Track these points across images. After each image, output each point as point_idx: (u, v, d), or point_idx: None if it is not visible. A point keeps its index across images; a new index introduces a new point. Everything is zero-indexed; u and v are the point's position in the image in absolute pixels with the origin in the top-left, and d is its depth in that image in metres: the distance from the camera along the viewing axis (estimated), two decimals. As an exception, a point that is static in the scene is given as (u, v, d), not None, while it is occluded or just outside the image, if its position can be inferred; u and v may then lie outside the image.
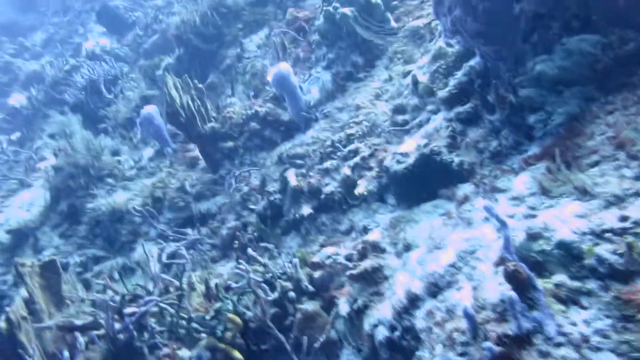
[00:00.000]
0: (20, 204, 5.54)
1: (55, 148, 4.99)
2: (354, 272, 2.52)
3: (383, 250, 2.57)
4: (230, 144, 4.23)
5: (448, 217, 2.31)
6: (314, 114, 3.77)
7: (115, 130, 5.66)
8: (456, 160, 2.46)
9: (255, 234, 3.48)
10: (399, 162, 2.75)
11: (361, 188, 2.93)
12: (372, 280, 2.46)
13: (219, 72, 5.10)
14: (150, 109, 4.76)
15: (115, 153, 5.12)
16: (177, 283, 3.08)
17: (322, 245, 3.03)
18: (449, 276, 1.98)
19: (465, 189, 2.35)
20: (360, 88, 3.66)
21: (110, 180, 4.74)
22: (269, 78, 3.69)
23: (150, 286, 3.10)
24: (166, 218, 4.29)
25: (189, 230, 3.97)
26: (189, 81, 4.40)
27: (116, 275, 4.06)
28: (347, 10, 3.60)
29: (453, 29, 2.43)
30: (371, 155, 3.05)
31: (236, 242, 3.35)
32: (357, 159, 3.09)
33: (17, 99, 8.13)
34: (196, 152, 4.66)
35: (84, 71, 7.47)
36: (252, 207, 3.73)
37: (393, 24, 3.65)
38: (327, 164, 3.28)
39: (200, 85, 4.39)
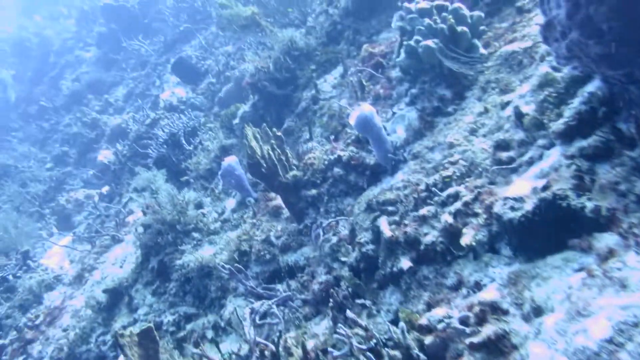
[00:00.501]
0: (113, 260, 5.83)
1: (143, 205, 5.20)
2: (474, 340, 2.25)
3: (505, 312, 2.29)
4: (313, 191, 4.14)
5: (589, 275, 1.99)
6: (402, 155, 3.59)
7: (197, 181, 5.83)
8: (589, 205, 2.14)
9: (349, 289, 3.30)
10: (513, 208, 2.47)
11: (467, 238, 2.67)
12: (498, 350, 2.18)
13: (295, 115, 5.10)
14: (231, 160, 4.83)
15: (199, 205, 5.24)
16: (273, 348, 2.99)
17: (428, 304, 2.78)
18: (606, 354, 1.67)
19: (607, 240, 2.03)
20: (451, 123, 3.43)
21: (196, 234, 4.83)
22: (352, 121, 3.58)
23: (245, 349, 3.03)
24: (253, 272, 4.25)
25: (278, 287, 3.88)
26: (268, 130, 4.41)
27: (209, 334, 4.06)
28: (430, 43, 3.42)
29: (569, 54, 2.16)
30: (475, 199, 2.79)
31: (331, 300, 3.19)
32: (458, 205, 2.84)
33: (105, 155, 8.76)
34: (278, 201, 4.64)
35: (164, 122, 7.89)
36: (343, 259, 3.58)
37: (482, 51, 3.41)
38: (424, 210, 3.06)
39: (279, 134, 4.39)
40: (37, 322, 5.38)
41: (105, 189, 8.47)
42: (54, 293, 6.06)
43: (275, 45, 5.17)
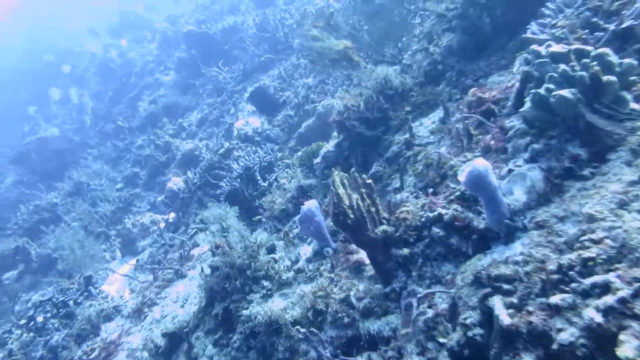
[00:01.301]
0: (175, 297, 5.66)
1: (212, 243, 5.01)
2: None
3: None
4: (405, 251, 3.73)
5: None
6: (521, 222, 3.11)
7: (269, 221, 5.59)
8: None
9: (450, 380, 2.83)
10: (700, 320, 1.92)
11: (627, 349, 2.14)
12: None
13: (384, 160, 4.76)
14: (311, 205, 4.55)
15: (271, 250, 4.97)
16: None
17: None
18: None
19: None
20: (589, 190, 2.92)
21: (266, 283, 4.55)
22: (462, 178, 3.16)
23: None
24: (328, 335, 3.87)
25: (358, 359, 3.46)
26: (357, 176, 4.09)
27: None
28: (566, 93, 2.97)
29: None
30: (635, 296, 2.26)
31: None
32: (610, 300, 2.31)
33: (175, 182, 8.84)
34: (360, 255, 4.27)
35: (237, 153, 7.83)
36: (441, 339, 3.11)
37: (634, 105, 2.91)
38: (556, 298, 2.55)
39: (369, 181, 4.05)
40: (92, 356, 5.27)
41: (171, 216, 8.51)
42: (112, 325, 5.99)
43: (367, 82, 4.90)
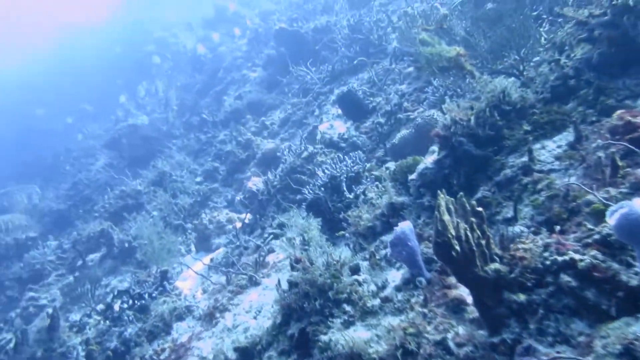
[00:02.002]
0: (248, 307, 5.45)
1: (292, 256, 4.71)
2: None
3: None
4: (521, 297, 3.19)
5: None
6: (690, 286, 2.48)
7: (353, 237, 5.21)
8: None
9: None
10: None
11: None
12: None
13: (494, 185, 4.20)
14: (406, 227, 4.10)
15: (355, 270, 4.58)
16: None
17: None
18: None
19: None
20: None
21: (348, 307, 4.16)
22: (612, 220, 2.59)
23: None
24: (418, 382, 3.40)
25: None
26: (465, 202, 3.59)
27: None
28: None
29: None
30: None
31: None
32: None
33: (254, 182, 8.73)
34: (459, 291, 3.77)
35: (321, 158, 7.53)
36: (569, 419, 2.55)
37: None
38: None
39: (480, 209, 3.54)
40: (162, 357, 5.18)
41: (247, 217, 8.39)
42: (183, 325, 5.90)
43: (480, 94, 4.37)
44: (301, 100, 11.64)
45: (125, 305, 6.65)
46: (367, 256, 4.79)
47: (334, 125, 9.75)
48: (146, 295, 6.60)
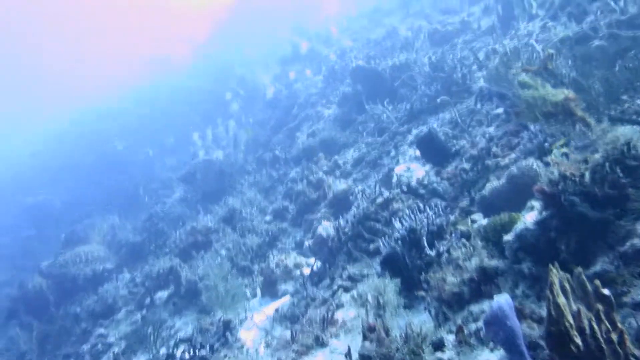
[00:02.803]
0: (312, 373, 4.94)
1: (365, 323, 4.17)
2: None
3: None
4: (670, 420, 2.44)
5: None
6: None
7: (435, 303, 4.59)
8: None
9: None
10: None
11: None
12: None
13: (617, 256, 3.47)
14: (503, 302, 3.46)
15: (438, 346, 3.96)
16: None
17: None
18: None
19: None
20: None
21: (431, 395, 3.54)
22: None
23: None
24: None
25: None
26: (585, 281, 2.92)
27: None
28: None
29: None
30: None
31: None
32: None
33: (324, 227, 8.33)
34: (575, 392, 3.03)
35: (397, 205, 7.03)
36: None
37: None
38: None
39: (606, 293, 2.85)
40: None
41: (316, 264, 7.96)
42: (243, 385, 5.50)
43: (598, 146, 3.69)
44: (376, 140, 11.23)
45: (187, 356, 6.38)
46: (453, 329, 4.16)
47: (412, 168, 9.20)
48: (207, 347, 6.31)
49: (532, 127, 5.56)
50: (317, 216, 10.52)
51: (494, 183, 5.36)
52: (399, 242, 5.49)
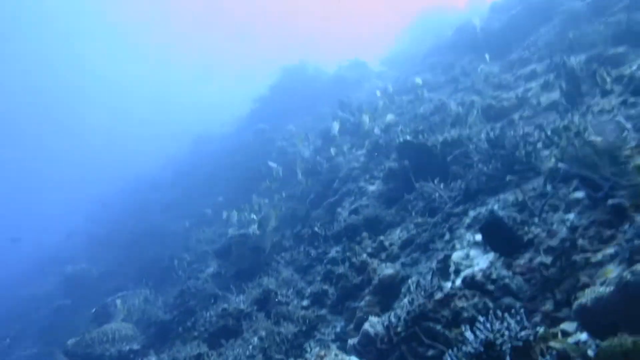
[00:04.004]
0: None
1: None
2: None
3: None
4: None
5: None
6: None
7: None
8: None
9: None
10: None
11: None
12: None
13: None
14: None
15: None
16: None
17: None
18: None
19: None
20: None
21: None
22: None
23: None
24: None
25: None
26: None
27: None
28: None
29: None
30: None
31: None
32: None
33: (372, 324, 7.21)
34: None
35: (461, 304, 5.95)
36: None
37: None
38: None
39: None
40: None
41: (362, 367, 6.78)
42: None
43: None
44: (427, 221, 10.22)
45: None
46: None
47: (471, 255, 8.10)
48: None
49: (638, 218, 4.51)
50: (361, 304, 9.40)
51: (598, 290, 4.24)
52: (473, 359, 4.36)
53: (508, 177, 8.58)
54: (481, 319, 4.65)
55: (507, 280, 6.07)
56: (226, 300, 12.58)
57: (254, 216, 18.53)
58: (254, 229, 16.96)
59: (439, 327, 6.04)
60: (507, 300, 5.83)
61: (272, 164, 24.14)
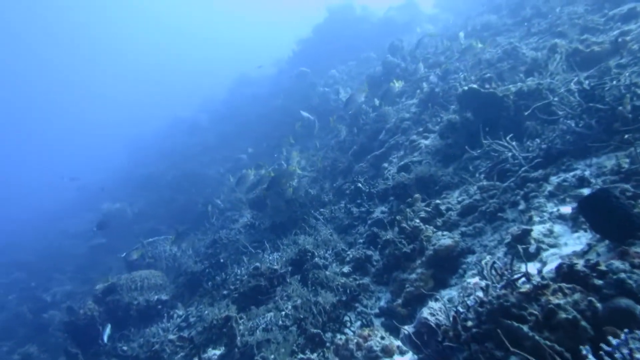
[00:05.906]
0: None
1: None
2: None
3: None
4: None
5: None
6: None
7: None
8: None
9: None
10: None
11: None
12: None
13: None
14: None
15: None
16: None
17: None
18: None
19: None
20: None
21: None
22: None
23: None
24: None
25: None
26: None
27: None
28: None
29: None
30: None
31: None
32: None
33: (433, 311, 5.96)
34: None
35: (557, 300, 4.61)
36: None
37: None
38: None
39: None
40: None
41: (416, 361, 5.62)
42: None
43: None
44: (494, 184, 8.72)
45: None
46: None
47: (555, 232, 6.66)
48: None
49: None
50: (411, 277, 8.20)
51: None
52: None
53: (606, 139, 6.91)
54: (571, 311, 3.28)
55: (622, 275, 4.63)
56: (259, 258, 11.63)
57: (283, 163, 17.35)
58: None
59: (525, 329, 4.72)
60: (624, 302, 4.43)
61: (305, 114, 22.65)
